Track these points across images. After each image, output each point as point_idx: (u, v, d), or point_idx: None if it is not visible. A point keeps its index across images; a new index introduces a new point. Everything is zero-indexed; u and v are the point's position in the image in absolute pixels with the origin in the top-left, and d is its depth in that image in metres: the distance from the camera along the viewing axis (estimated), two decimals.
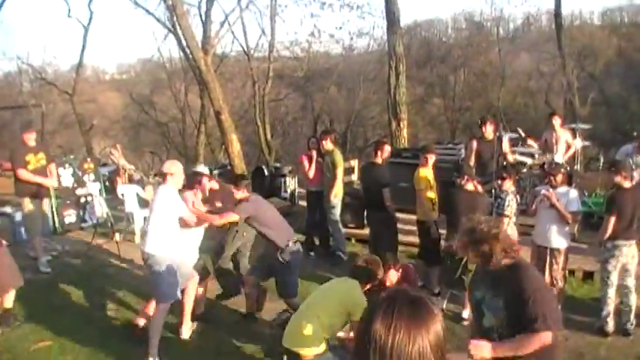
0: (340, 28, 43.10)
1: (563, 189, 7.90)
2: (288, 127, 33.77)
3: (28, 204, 9.32)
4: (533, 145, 11.59)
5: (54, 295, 8.60)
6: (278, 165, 14.88)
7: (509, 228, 7.86)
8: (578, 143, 11.44)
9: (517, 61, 30.76)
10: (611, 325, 7.59)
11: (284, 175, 13.70)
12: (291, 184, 13.66)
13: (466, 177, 8.06)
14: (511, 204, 7.89)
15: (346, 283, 5.85)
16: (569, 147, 11.20)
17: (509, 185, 8.04)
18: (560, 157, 10.94)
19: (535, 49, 30.83)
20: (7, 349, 6.91)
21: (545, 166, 10.77)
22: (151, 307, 7.05)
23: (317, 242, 10.89)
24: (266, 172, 13.89)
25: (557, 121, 11.18)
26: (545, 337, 3.98)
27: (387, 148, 9.49)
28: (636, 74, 26.06)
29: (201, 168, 9.42)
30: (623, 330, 7.59)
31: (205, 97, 23.59)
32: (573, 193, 7.92)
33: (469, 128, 27.06)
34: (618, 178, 7.54)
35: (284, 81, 31.20)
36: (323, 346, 5.55)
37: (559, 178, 7.90)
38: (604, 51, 30.35)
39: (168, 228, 6.77)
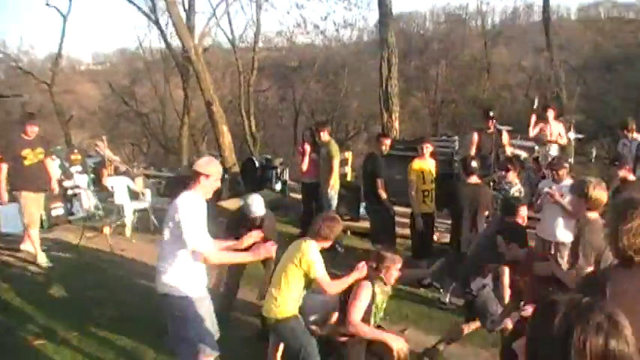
0: (325, 18, 42.46)
1: (567, 182, 7.85)
2: (267, 118, 33.58)
3: (25, 197, 8.98)
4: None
5: (45, 289, 8.34)
6: (269, 157, 14.72)
7: None
8: (572, 136, 11.43)
9: (499, 54, 30.78)
10: None
11: (275, 167, 13.55)
12: (283, 175, 13.53)
13: (470, 171, 7.99)
14: (516, 195, 7.82)
15: (300, 242, 5.56)
16: (561, 138, 11.17)
17: (513, 177, 7.97)
18: (555, 150, 10.93)
19: (517, 42, 30.91)
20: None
21: (540, 160, 10.80)
22: None
23: None
24: (257, 164, 13.72)
25: (551, 113, 11.15)
26: None
27: (387, 141, 9.41)
28: (613, 69, 26.13)
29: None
30: None
31: (189, 87, 23.37)
32: None
33: (453, 121, 27.07)
34: (623, 172, 7.52)
35: (265, 72, 31.01)
36: (294, 311, 5.40)
37: (562, 172, 7.86)
38: (582, 46, 30.55)
39: (191, 255, 4.92)
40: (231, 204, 12.26)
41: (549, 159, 10.79)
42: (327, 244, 5.47)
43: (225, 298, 7.14)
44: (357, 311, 5.27)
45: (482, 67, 28.65)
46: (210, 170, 5.02)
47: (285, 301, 5.28)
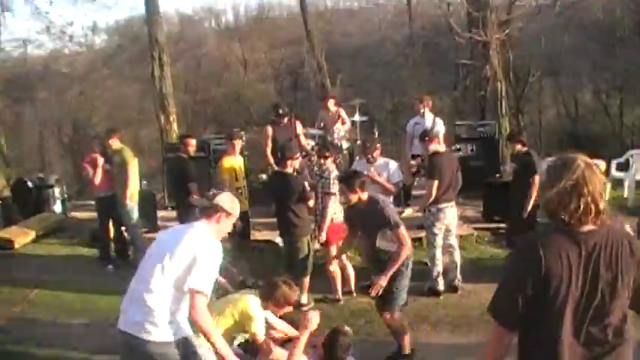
0: (72, 23, 38.95)
1: (380, 161, 8.08)
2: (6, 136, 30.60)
3: None
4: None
5: None
6: (41, 175, 13.36)
7: (336, 206, 7.84)
8: (357, 118, 11.78)
9: (250, 49, 30.93)
10: (441, 284, 8.01)
11: (51, 186, 12.36)
12: (62, 194, 12.39)
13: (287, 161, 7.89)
14: (335, 182, 7.84)
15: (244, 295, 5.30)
16: (344, 123, 11.47)
17: (330, 163, 8.00)
18: (342, 135, 11.21)
19: (268, 36, 31.23)
20: None
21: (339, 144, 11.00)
22: None
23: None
24: (30, 185, 12.35)
25: (331, 102, 11.44)
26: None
27: (193, 142, 8.97)
28: (364, 54, 27.21)
29: None
30: (451, 287, 8.08)
31: None
32: (393, 164, 8.14)
33: (215, 119, 26.86)
34: (433, 145, 7.89)
35: None
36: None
37: (376, 153, 8.04)
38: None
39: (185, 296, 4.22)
40: (9, 234, 11.01)
41: (339, 144, 11.10)
42: (277, 310, 5.26)
43: None
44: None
45: (238, 63, 28.71)
46: (235, 211, 4.54)
47: None
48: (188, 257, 4.11)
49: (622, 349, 2.83)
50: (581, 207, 2.71)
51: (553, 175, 2.80)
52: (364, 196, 6.30)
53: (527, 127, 21.58)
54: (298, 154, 8.09)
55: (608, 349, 2.79)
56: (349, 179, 6.34)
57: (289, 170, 7.82)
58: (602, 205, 2.74)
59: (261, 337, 5.01)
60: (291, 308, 5.42)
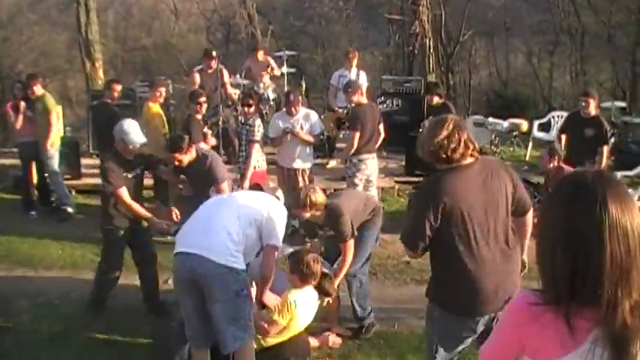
0: None
1: (302, 113, 8.14)
2: None
3: None
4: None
5: None
6: None
7: (259, 154, 7.97)
8: (285, 70, 11.82)
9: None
10: None
11: None
12: None
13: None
14: (260, 129, 7.96)
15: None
16: (273, 70, 11.53)
17: (253, 111, 8.09)
18: (267, 81, 11.26)
19: None
20: None
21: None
22: None
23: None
24: None
25: (260, 52, 11.46)
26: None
27: (118, 87, 8.87)
28: (297, 7, 26.89)
29: None
30: None
31: None
32: (314, 116, 8.22)
33: (143, 68, 26.31)
34: (356, 97, 8.03)
35: None
36: None
37: (298, 107, 8.10)
38: None
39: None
40: None
41: (266, 95, 11.14)
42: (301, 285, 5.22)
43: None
44: None
45: (169, 12, 27.96)
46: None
47: None
48: (264, 211, 4.70)
49: (514, 254, 3.57)
50: (461, 145, 3.36)
51: (431, 130, 3.46)
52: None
53: (456, 85, 21.90)
54: (202, 100, 8.12)
55: (508, 255, 3.50)
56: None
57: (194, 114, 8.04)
58: (476, 144, 3.40)
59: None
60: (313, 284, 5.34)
